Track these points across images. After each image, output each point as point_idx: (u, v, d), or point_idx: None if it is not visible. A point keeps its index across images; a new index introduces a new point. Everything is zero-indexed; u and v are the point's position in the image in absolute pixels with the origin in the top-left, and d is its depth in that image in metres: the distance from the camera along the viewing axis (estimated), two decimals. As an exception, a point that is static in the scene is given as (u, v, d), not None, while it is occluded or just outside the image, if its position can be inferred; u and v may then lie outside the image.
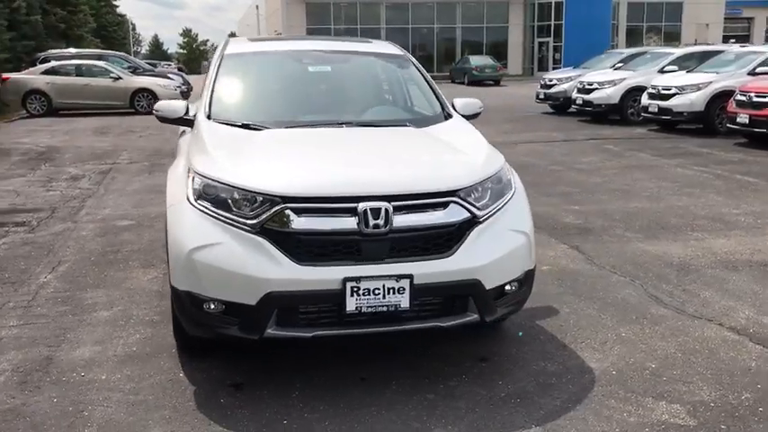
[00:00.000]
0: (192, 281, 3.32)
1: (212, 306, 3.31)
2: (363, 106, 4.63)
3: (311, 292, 3.25)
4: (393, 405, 3.35)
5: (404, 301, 3.31)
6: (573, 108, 17.50)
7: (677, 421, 3.20)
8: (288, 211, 3.26)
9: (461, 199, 3.46)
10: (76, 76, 19.49)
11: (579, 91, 17.03)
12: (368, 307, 3.28)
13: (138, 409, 3.31)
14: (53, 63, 20.45)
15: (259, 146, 3.87)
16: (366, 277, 3.25)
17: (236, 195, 3.34)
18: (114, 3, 62.62)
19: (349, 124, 4.23)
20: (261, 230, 3.27)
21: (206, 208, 3.38)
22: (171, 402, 3.38)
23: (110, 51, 24.91)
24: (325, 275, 3.24)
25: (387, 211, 3.28)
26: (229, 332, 3.34)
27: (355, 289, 3.25)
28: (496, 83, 36.67)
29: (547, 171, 10.05)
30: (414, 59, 5.11)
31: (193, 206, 3.42)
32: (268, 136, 4.02)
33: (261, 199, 3.29)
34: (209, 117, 4.24)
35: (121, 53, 24.93)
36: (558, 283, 5.13)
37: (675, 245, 6.09)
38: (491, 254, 3.49)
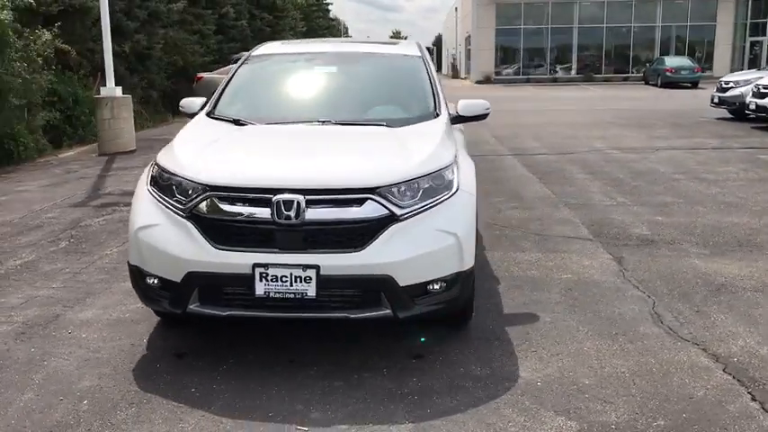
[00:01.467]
0: (139, 257, 3.75)
1: (153, 281, 3.72)
2: (353, 105, 4.80)
3: (225, 274, 3.53)
4: (299, 387, 3.54)
5: (310, 290, 3.49)
6: (748, 113, 15.99)
7: (557, 437, 3.08)
8: (213, 199, 3.58)
9: (380, 196, 3.56)
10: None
11: (754, 95, 15.55)
12: (275, 293, 3.50)
13: (85, 364, 3.81)
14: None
15: (224, 140, 4.22)
16: (274, 264, 3.48)
17: (177, 183, 3.72)
18: (327, 7, 66.43)
19: (327, 122, 4.44)
20: (190, 215, 3.61)
21: (154, 193, 3.79)
22: (115, 362, 3.83)
23: None
24: (238, 260, 3.51)
25: (299, 203, 3.48)
26: (162, 306, 3.73)
27: (264, 275, 3.49)
28: (694, 85, 34.17)
29: (664, 179, 9.42)
30: (428, 61, 5.16)
31: (147, 191, 3.85)
32: (243, 131, 4.36)
33: (193, 187, 3.64)
34: (209, 113, 4.67)
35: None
36: (565, 292, 4.95)
37: (737, 264, 5.56)
38: (407, 252, 3.55)
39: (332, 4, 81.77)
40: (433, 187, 3.74)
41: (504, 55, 44.99)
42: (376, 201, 3.55)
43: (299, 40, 7.25)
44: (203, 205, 3.60)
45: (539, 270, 5.44)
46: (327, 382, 3.59)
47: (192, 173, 3.70)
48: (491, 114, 5.05)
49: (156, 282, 3.70)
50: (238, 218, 3.56)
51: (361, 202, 3.55)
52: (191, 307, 3.61)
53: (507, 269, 5.45)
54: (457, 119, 4.81)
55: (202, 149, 4.04)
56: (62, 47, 14.61)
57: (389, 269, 3.51)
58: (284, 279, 3.49)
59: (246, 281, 3.50)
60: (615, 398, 3.44)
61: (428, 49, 5.45)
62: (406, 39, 28.32)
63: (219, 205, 3.58)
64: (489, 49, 43.98)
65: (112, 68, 13.16)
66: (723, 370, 3.74)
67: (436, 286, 3.67)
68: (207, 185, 3.60)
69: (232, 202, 3.58)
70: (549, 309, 4.63)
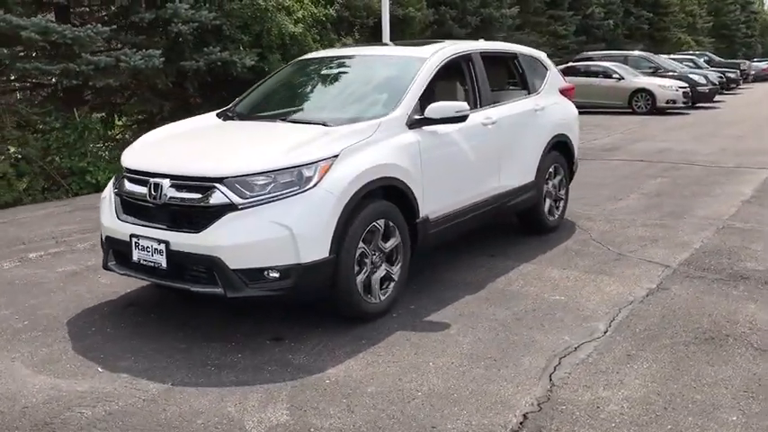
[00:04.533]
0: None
1: (101, 240, 4.75)
2: (320, 105, 5.19)
3: (119, 240, 4.40)
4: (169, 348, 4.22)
5: (163, 262, 4.16)
6: None
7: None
8: (123, 179, 4.47)
9: (226, 186, 4.03)
10: (585, 76, 20.82)
11: None
12: (143, 260, 4.26)
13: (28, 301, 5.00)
14: (570, 65, 22.20)
15: (183, 133, 5.02)
16: (142, 236, 4.24)
17: (121, 165, 4.69)
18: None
19: (283, 119, 4.95)
20: (117, 192, 4.55)
21: (118, 174, 4.82)
22: (55, 313, 4.86)
23: (635, 52, 25.21)
24: (124, 229, 4.36)
25: (162, 186, 4.16)
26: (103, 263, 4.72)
27: (137, 244, 4.27)
28: None
29: None
30: (428, 63, 5.16)
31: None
32: (210, 126, 5.13)
33: (122, 168, 4.58)
34: (227, 111, 5.49)
35: (646, 54, 24.93)
36: (531, 305, 4.61)
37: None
38: (236, 238, 3.98)
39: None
40: (280, 182, 4.03)
41: None
42: (220, 190, 4.02)
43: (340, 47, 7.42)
44: (119, 184, 4.49)
45: None
46: (169, 351, 4.15)
47: (124, 157, 4.63)
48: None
49: (101, 241, 4.71)
50: (130, 195, 4.37)
51: (207, 189, 4.06)
52: (109, 264, 4.54)
53: None
54: (421, 121, 4.79)
55: (153, 139, 4.92)
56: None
57: (218, 251, 3.97)
58: (148, 249, 4.21)
59: (128, 247, 4.30)
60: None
61: None
62: None
63: (125, 184, 4.44)
64: None
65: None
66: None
67: (272, 274, 3.97)
68: (123, 168, 4.49)
69: (130, 181, 4.41)
70: (485, 317, 4.41)
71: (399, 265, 4.65)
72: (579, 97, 20.33)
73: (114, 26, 11.31)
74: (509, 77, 6.55)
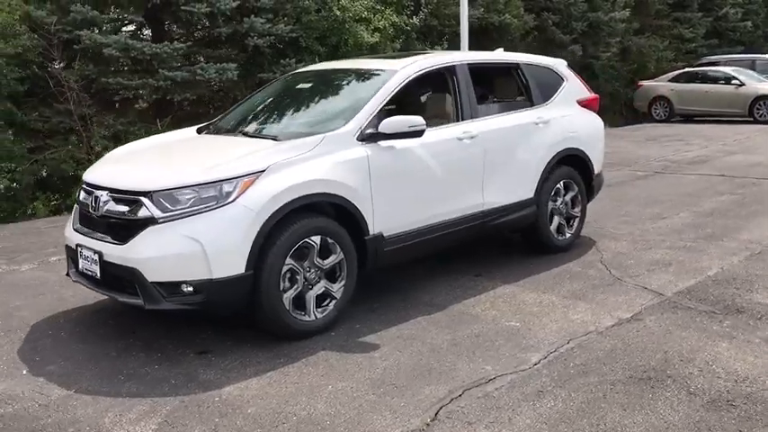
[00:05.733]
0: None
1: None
2: (281, 119, 5.23)
3: (71, 248, 4.63)
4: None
5: (98, 272, 4.33)
6: None
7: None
8: (81, 190, 4.71)
9: (150, 200, 4.16)
10: (701, 82, 19.45)
11: None
12: (85, 269, 4.46)
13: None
14: (686, 70, 20.79)
15: (154, 145, 5.20)
16: (84, 246, 4.45)
17: None
18: None
19: (244, 133, 5.02)
20: (76, 202, 4.81)
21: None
22: (29, 314, 5.19)
23: (766, 56, 23.07)
24: (74, 238, 4.59)
25: (99, 198, 4.35)
26: (70, 270, 4.98)
27: (80, 253, 4.48)
28: None
29: None
30: (395, 76, 5.03)
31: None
32: (189, 137, 5.27)
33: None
34: (208, 125, 5.64)
35: (773, 57, 22.79)
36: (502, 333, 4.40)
37: None
38: (152, 251, 4.09)
39: None
40: (206, 197, 4.08)
41: None
42: (144, 204, 4.14)
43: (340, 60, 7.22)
44: (78, 195, 4.73)
45: None
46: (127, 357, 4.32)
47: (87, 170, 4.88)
48: None
49: (66, 249, 5.00)
50: (82, 206, 4.60)
51: (134, 203, 4.19)
52: (69, 272, 4.78)
53: None
54: (375, 136, 4.68)
55: (119, 153, 5.15)
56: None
57: (136, 263, 4.09)
58: (88, 259, 4.40)
59: (76, 255, 4.52)
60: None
61: None
62: None
63: (80, 195, 4.67)
64: None
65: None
66: None
67: (187, 288, 4.05)
68: (83, 180, 4.74)
69: (84, 193, 4.64)
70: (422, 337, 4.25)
71: (342, 282, 4.56)
72: (692, 105, 19.25)
73: (189, 42, 11.96)
74: (508, 89, 6.24)
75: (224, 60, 11.59)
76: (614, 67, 21.44)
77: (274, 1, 12.00)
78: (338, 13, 12.67)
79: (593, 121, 6.52)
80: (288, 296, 4.29)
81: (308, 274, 4.39)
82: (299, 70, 6.18)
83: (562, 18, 19.55)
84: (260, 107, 5.54)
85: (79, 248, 4.48)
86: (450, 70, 5.45)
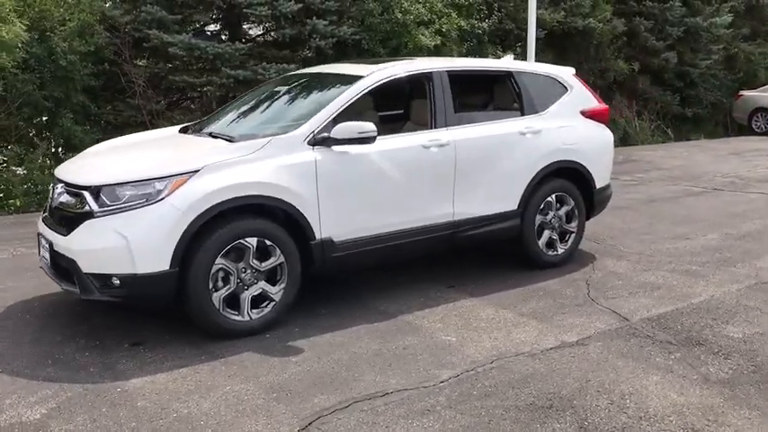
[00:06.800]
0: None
1: None
2: (246, 121, 5.30)
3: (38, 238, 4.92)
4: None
5: (49, 260, 4.58)
6: None
7: None
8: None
9: (91, 194, 4.35)
10: (809, 94, 18.04)
11: None
12: (43, 258, 4.73)
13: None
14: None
15: (130, 143, 5.40)
16: (42, 235, 4.71)
17: None
18: None
19: (211, 134, 5.12)
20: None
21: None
22: (6, 298, 5.52)
23: None
24: (39, 227, 4.85)
25: (55, 190, 4.60)
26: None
27: (41, 243, 4.75)
28: None
29: None
30: (360, 82, 5.00)
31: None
32: (165, 136, 5.46)
33: None
34: (191, 125, 5.82)
35: None
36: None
37: None
38: (85, 244, 4.29)
39: None
40: (142, 194, 4.24)
41: None
42: (85, 198, 4.35)
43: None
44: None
45: None
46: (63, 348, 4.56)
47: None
48: None
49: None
50: (51, 199, 4.86)
51: (78, 196, 4.40)
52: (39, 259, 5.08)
53: None
54: (327, 141, 4.68)
55: (94, 149, 5.37)
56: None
57: (73, 254, 4.30)
58: (44, 247, 4.66)
59: (38, 243, 4.80)
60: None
61: None
62: None
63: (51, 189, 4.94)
64: None
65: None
66: None
67: (115, 281, 4.21)
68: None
69: (53, 186, 4.89)
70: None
71: (282, 285, 4.59)
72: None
73: (251, 43, 12.33)
74: (496, 97, 6.02)
75: (287, 61, 11.86)
76: (716, 75, 20.21)
77: (340, 3, 12.20)
78: (399, 15, 12.69)
79: (599, 133, 6.20)
80: (218, 295, 4.36)
81: (242, 274, 4.44)
82: (291, 73, 6.25)
83: (656, 23, 18.63)
84: (239, 109, 5.64)
85: (39, 237, 4.75)
86: (427, 77, 5.34)
